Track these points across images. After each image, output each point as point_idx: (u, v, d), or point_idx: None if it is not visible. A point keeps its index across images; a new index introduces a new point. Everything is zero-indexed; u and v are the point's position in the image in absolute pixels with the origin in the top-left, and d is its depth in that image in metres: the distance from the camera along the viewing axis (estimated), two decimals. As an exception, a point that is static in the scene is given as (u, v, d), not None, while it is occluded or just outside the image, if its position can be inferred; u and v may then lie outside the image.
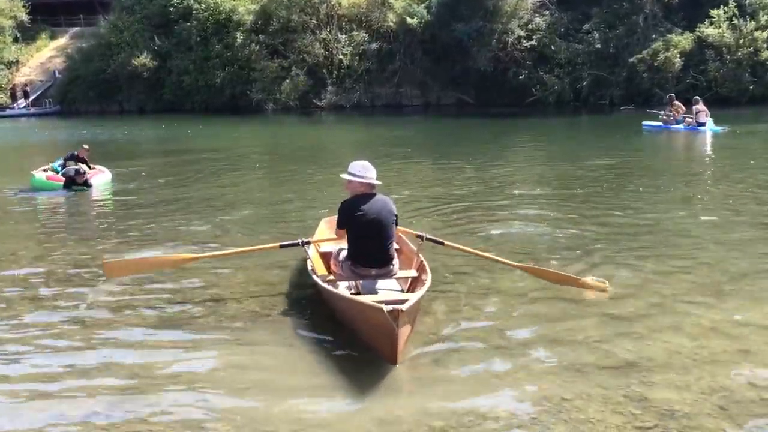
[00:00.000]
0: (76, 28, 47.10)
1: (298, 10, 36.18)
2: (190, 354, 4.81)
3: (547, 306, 5.53)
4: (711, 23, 31.21)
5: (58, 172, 12.63)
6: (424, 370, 4.43)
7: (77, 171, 12.40)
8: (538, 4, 34.69)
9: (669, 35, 31.55)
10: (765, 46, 30.43)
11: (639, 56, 31.32)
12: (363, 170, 5.45)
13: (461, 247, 6.30)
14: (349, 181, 5.50)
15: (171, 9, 38.48)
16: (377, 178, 5.52)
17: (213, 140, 22.70)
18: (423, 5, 35.31)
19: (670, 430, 3.62)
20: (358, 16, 36.76)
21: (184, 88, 37.56)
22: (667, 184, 11.55)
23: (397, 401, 4.02)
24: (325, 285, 5.27)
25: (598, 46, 32.73)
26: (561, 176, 12.77)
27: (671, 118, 20.58)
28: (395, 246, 5.82)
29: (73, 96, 41.20)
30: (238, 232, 8.49)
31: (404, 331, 4.45)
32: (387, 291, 5.45)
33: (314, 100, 35.79)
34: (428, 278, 5.31)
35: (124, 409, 4.03)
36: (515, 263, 6.17)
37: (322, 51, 36.01)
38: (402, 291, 5.60)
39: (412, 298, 4.70)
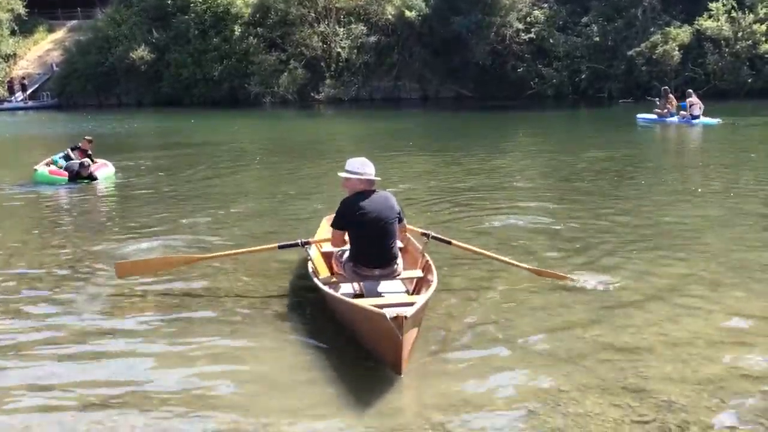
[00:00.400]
0: (74, 21, 46.98)
1: (296, 3, 36.16)
2: (188, 349, 4.81)
3: (545, 299, 5.53)
4: (710, 16, 31.20)
5: (60, 166, 12.51)
6: (420, 362, 4.43)
7: (81, 164, 12.33)
8: (536, -4, 34.69)
9: (667, 28, 31.51)
10: (763, 39, 30.43)
11: (637, 49, 31.27)
12: (360, 167, 5.23)
13: (469, 247, 6.06)
14: (347, 179, 5.27)
15: (169, 2, 38.43)
16: (376, 174, 5.32)
17: (213, 133, 22.67)
18: (421, -2, 35.28)
19: (667, 422, 3.63)
20: (356, 9, 36.70)
21: (182, 82, 37.52)
22: (665, 176, 11.56)
23: (394, 393, 4.02)
24: (325, 288, 5.06)
25: (597, 39, 32.69)
26: (560, 169, 12.77)
27: (665, 111, 20.71)
28: (400, 244, 5.69)
29: (70, 89, 41.14)
30: (241, 227, 8.47)
31: (409, 339, 4.21)
32: (391, 293, 5.27)
33: (312, 94, 35.76)
34: (434, 279, 5.10)
35: (117, 395, 4.07)
36: (526, 266, 6.02)
37: (320, 44, 35.98)
38: (407, 292, 5.42)
39: (418, 302, 4.45)
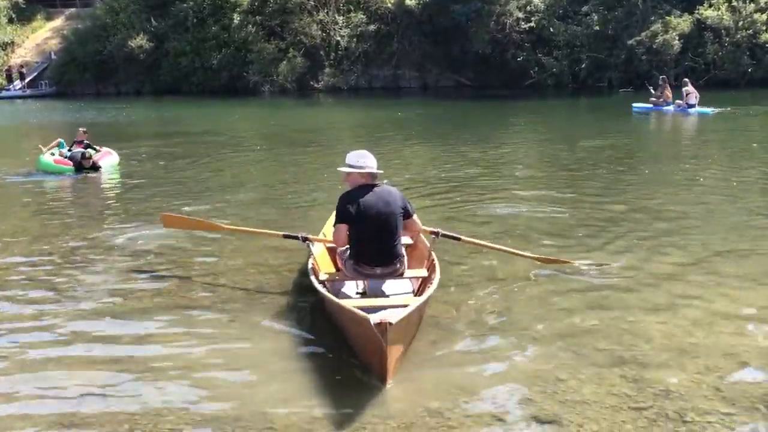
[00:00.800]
0: (72, 9, 46.66)
1: (295, -9, 35.94)
2: (183, 334, 4.83)
3: (544, 288, 5.54)
4: (710, 5, 31.08)
5: (63, 155, 12.51)
6: (419, 349, 4.45)
7: (83, 155, 12.33)
8: (536, -16, 34.52)
9: (668, 17, 31.37)
10: (764, 28, 30.30)
11: (638, 38, 31.14)
12: (359, 159, 4.97)
13: (477, 241, 6.03)
14: (348, 174, 5.02)
15: (167, -10, 38.20)
16: (379, 167, 5.11)
17: (213, 122, 22.62)
18: (421, -14, 35.11)
19: (665, 410, 3.65)
20: (355, -3, 36.54)
21: (181, 70, 37.33)
22: (664, 165, 11.58)
23: (392, 380, 4.02)
24: (318, 286, 4.83)
25: (597, 28, 32.54)
26: (559, 158, 12.77)
27: (661, 99, 20.77)
28: (408, 241, 5.58)
29: (69, 77, 40.93)
30: (242, 215, 8.47)
31: (396, 346, 3.93)
32: (397, 293, 5.07)
33: (311, 82, 35.64)
34: (435, 280, 4.91)
35: (116, 382, 4.12)
36: (534, 255, 6.04)
37: (320, 32, 35.82)
38: (413, 292, 5.26)
39: (410, 306, 4.19)
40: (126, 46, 37.64)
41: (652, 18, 31.68)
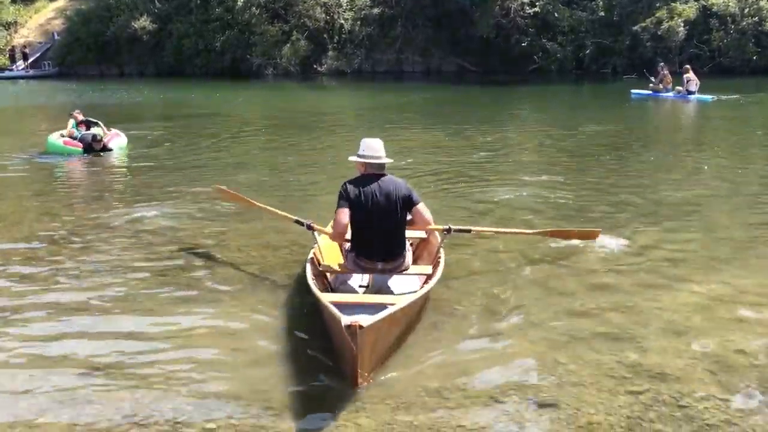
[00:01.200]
0: (76, -11, 46.54)
1: (299, -27, 35.75)
2: (185, 316, 4.90)
3: (543, 273, 5.59)
4: (716, -8, 30.87)
5: (73, 137, 12.46)
6: (417, 330, 4.50)
7: (94, 137, 12.32)
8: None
9: (673, 4, 31.14)
10: (770, 15, 30.12)
11: (643, 25, 30.97)
12: (368, 149, 4.85)
13: (486, 229, 6.24)
14: (358, 163, 4.93)
15: (171, -29, 38.02)
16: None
17: (217, 105, 22.61)
18: (425, -31, 34.87)
19: (661, 393, 3.70)
20: (359, -20, 36.32)
21: (185, 52, 37.22)
22: (667, 152, 11.57)
23: (391, 361, 4.08)
24: (309, 278, 4.66)
25: (602, 13, 32.37)
26: (562, 143, 12.77)
27: (660, 86, 20.82)
28: (422, 235, 5.53)
29: (72, 58, 40.88)
30: (251, 195, 8.52)
31: (369, 350, 3.72)
32: (402, 292, 4.82)
33: (315, 66, 35.53)
34: (435, 278, 4.81)
35: (118, 360, 4.20)
36: (537, 231, 6.16)
37: (323, 15, 35.65)
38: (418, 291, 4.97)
39: (389, 308, 3.99)
40: (129, 27, 37.55)
41: (658, 4, 31.45)
